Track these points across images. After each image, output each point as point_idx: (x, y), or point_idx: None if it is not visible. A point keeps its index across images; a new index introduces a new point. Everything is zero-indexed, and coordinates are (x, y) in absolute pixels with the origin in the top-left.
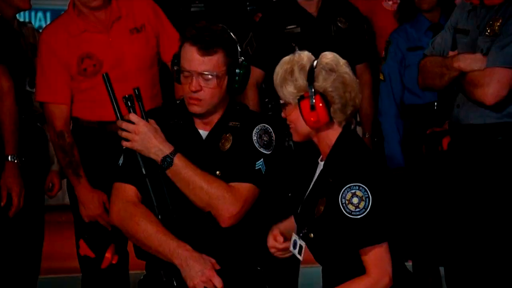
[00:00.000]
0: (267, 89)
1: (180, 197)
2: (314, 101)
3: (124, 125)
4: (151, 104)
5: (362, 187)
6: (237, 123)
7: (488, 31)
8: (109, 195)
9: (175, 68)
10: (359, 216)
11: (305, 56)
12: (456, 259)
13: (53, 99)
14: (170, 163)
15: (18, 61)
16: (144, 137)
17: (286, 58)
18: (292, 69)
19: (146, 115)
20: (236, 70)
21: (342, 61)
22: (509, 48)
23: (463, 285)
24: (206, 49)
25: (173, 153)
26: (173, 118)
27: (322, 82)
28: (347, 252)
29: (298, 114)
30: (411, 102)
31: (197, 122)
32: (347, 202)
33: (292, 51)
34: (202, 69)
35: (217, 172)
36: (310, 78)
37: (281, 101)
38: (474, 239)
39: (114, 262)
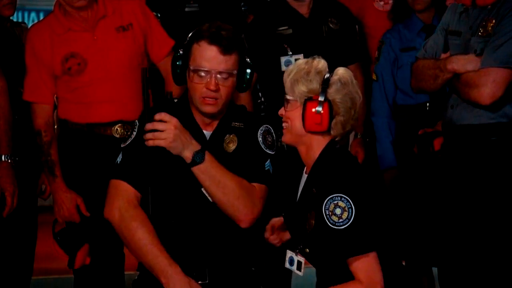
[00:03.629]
0: (261, 90)
1: (176, 201)
2: (322, 106)
3: (156, 124)
4: (140, 104)
5: (344, 197)
6: (241, 124)
7: (481, 31)
8: (101, 199)
9: (191, 68)
10: (342, 227)
11: (322, 62)
12: (449, 259)
13: (36, 98)
14: (202, 159)
15: (12, 61)
16: (178, 133)
17: (303, 60)
18: (309, 70)
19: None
20: (247, 70)
21: (355, 81)
22: (503, 48)
23: (457, 286)
24: (226, 48)
25: (203, 150)
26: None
27: (335, 91)
28: (338, 262)
29: (298, 113)
30: (404, 103)
31: (200, 122)
32: (330, 213)
33: (284, 52)
34: (222, 67)
35: None
36: (325, 84)
37: (288, 97)
38: (467, 239)
39: (86, 263)
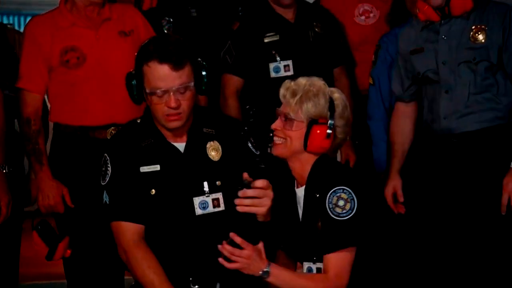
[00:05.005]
0: (248, 95)
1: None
2: (330, 131)
3: (257, 192)
4: (137, 111)
5: (346, 189)
6: (211, 130)
7: (472, 40)
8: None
9: (147, 91)
10: (346, 218)
11: (323, 83)
12: (446, 261)
13: (27, 86)
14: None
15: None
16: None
17: (304, 79)
18: (317, 92)
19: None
20: (202, 73)
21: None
22: None
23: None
24: (178, 63)
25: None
26: (143, 140)
27: (338, 116)
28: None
29: (301, 134)
30: None
31: (169, 136)
32: (333, 206)
33: (272, 58)
34: (178, 83)
35: (217, 182)
36: (332, 108)
37: (290, 116)
38: (465, 242)
39: (66, 256)
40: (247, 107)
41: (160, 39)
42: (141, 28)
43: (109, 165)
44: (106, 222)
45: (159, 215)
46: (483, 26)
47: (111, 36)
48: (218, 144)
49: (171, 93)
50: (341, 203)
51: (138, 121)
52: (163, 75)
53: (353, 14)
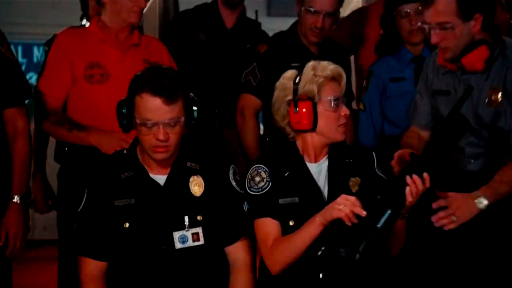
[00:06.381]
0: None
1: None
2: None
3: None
4: None
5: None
6: (195, 164)
7: (487, 101)
8: None
9: (137, 121)
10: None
11: None
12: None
13: (50, 92)
14: None
15: None
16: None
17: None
18: None
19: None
20: (193, 108)
21: None
22: None
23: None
24: (170, 97)
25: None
26: (123, 172)
27: None
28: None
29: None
30: (391, 133)
31: (152, 168)
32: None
33: None
34: (169, 117)
35: (198, 217)
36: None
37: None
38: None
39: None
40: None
41: (156, 71)
42: (166, 63)
43: (85, 196)
44: (72, 250)
45: (134, 249)
46: (499, 88)
47: (136, 61)
48: (201, 179)
49: (161, 126)
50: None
51: (124, 152)
52: (154, 108)
53: None
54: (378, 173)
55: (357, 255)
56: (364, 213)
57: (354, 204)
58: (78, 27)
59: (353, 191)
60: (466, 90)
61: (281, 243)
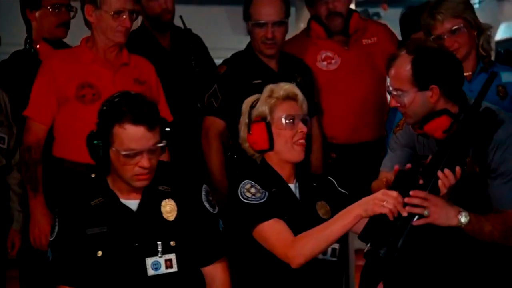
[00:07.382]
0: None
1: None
2: None
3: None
4: None
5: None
6: (167, 187)
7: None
8: None
9: (121, 153)
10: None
11: None
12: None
13: (35, 116)
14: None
15: None
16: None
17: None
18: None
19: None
20: (166, 129)
21: None
22: None
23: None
24: (152, 124)
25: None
26: (93, 198)
27: None
28: None
29: None
30: None
31: (123, 193)
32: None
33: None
34: (152, 143)
35: (171, 243)
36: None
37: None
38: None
39: None
40: (229, 154)
41: (131, 98)
42: (153, 83)
43: (57, 223)
44: (47, 278)
45: (108, 277)
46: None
47: (127, 81)
48: (173, 202)
49: (145, 154)
50: None
51: (93, 176)
52: (138, 137)
53: (315, 60)
54: (341, 190)
55: (396, 254)
56: (405, 213)
57: (398, 200)
58: (67, 49)
59: (320, 214)
60: (489, 77)
61: (308, 235)
